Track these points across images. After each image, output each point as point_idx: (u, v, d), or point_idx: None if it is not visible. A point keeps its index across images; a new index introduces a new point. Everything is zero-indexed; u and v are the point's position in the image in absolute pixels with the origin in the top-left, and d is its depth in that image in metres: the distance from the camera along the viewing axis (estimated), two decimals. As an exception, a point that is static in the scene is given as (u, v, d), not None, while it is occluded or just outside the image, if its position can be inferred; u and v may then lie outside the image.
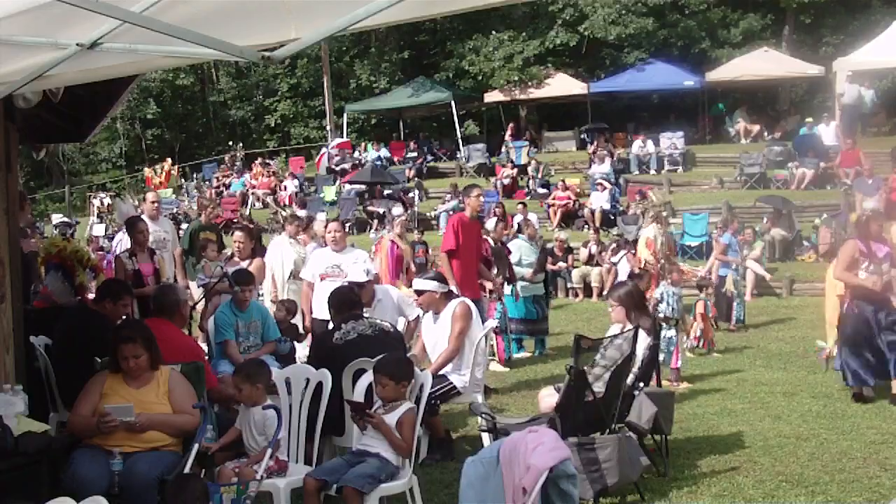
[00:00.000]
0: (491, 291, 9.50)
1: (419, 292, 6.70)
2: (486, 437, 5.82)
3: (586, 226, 18.49)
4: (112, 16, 2.82)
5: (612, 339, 5.78)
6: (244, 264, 8.47)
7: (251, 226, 13.04)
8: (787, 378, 8.68)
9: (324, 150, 26.37)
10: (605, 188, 19.46)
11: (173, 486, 3.91)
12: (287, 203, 23.27)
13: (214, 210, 11.08)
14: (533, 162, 23.02)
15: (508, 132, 25.95)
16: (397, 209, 18.78)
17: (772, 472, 5.75)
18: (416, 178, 23.53)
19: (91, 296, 7.35)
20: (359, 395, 5.10)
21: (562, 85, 27.41)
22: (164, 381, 4.68)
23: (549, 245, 14.73)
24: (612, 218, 18.72)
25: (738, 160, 21.56)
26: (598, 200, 19.18)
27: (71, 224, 21.36)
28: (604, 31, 27.85)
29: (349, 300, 6.20)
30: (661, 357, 7.81)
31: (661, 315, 8.22)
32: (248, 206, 23.71)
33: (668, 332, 8.27)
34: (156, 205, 10.22)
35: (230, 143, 32.06)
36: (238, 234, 8.91)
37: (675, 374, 8.47)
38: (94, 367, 5.09)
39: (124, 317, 6.50)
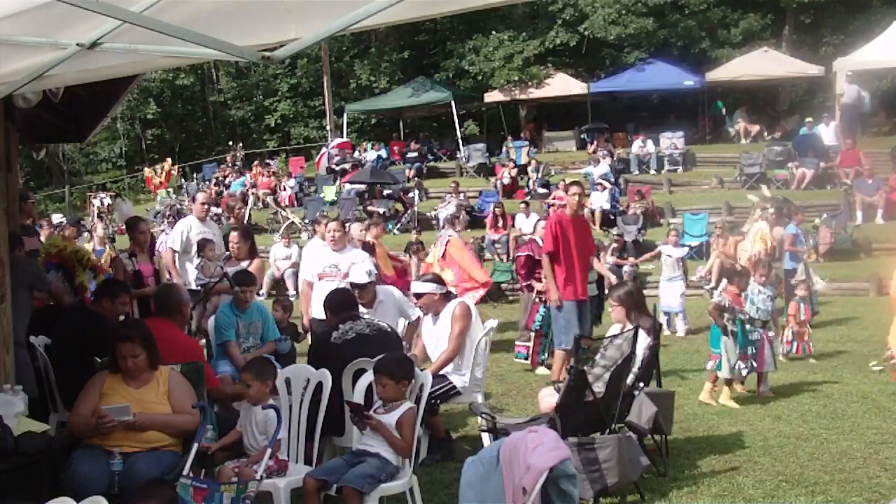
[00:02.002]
0: (539, 292, 9.42)
1: (418, 295, 6.71)
2: (486, 437, 5.83)
3: (586, 226, 18.48)
4: (112, 16, 2.81)
5: (612, 339, 5.78)
6: (244, 264, 8.46)
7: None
8: (788, 378, 8.68)
9: (324, 150, 26.35)
10: (605, 188, 19.47)
11: (139, 490, 3.80)
12: (287, 203, 23.28)
13: (240, 211, 10.79)
14: (533, 162, 23.03)
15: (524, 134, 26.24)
16: (451, 207, 18.56)
17: (772, 472, 5.75)
18: (416, 178, 23.53)
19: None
20: (359, 394, 5.10)
21: (562, 85, 27.43)
22: (163, 381, 4.68)
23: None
24: (612, 218, 18.72)
25: (738, 160, 21.57)
26: (598, 200, 19.18)
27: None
28: (604, 31, 27.86)
29: (345, 301, 6.22)
30: (745, 364, 7.56)
31: (747, 315, 7.73)
32: (249, 206, 23.69)
33: (752, 335, 7.72)
34: (205, 206, 9.78)
35: (230, 143, 32.05)
36: (233, 234, 8.88)
37: (763, 383, 7.94)
38: (94, 367, 5.09)
39: (123, 316, 6.51)
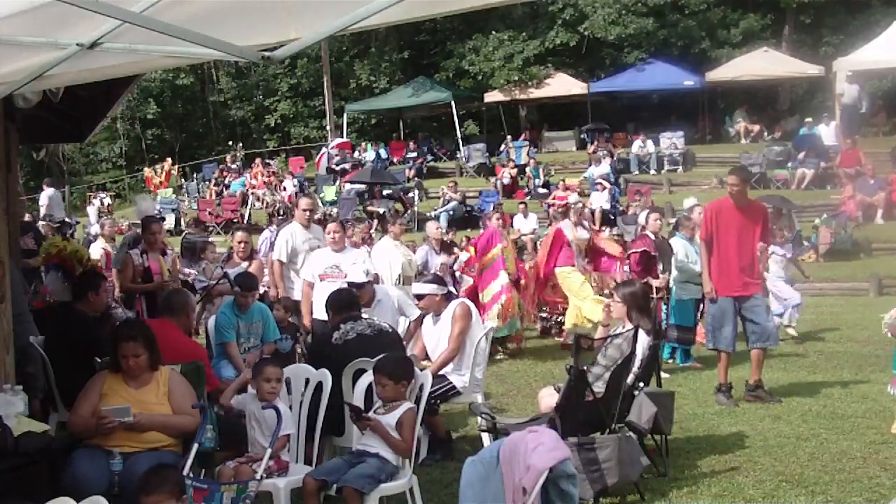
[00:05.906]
0: (657, 289, 8.98)
1: (419, 296, 6.71)
2: (486, 437, 5.83)
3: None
4: (112, 16, 2.81)
5: (612, 339, 5.78)
6: (244, 265, 8.46)
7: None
8: (787, 378, 8.67)
9: (324, 150, 26.38)
10: (604, 188, 19.49)
11: (149, 479, 3.70)
12: (287, 203, 23.27)
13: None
14: (532, 162, 23.05)
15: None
16: (573, 196, 17.79)
17: (772, 472, 5.75)
18: (416, 178, 23.55)
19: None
20: (359, 395, 5.10)
21: (562, 85, 27.47)
22: (163, 382, 4.67)
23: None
24: (612, 218, 18.74)
25: (738, 160, 21.57)
26: (598, 200, 19.20)
27: (71, 224, 21.32)
28: (604, 31, 27.88)
29: (347, 301, 6.22)
30: None
31: None
32: (248, 206, 23.70)
33: None
34: (308, 213, 8.84)
35: (230, 143, 32.06)
36: (240, 234, 8.85)
37: None
38: (94, 367, 5.09)
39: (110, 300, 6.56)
